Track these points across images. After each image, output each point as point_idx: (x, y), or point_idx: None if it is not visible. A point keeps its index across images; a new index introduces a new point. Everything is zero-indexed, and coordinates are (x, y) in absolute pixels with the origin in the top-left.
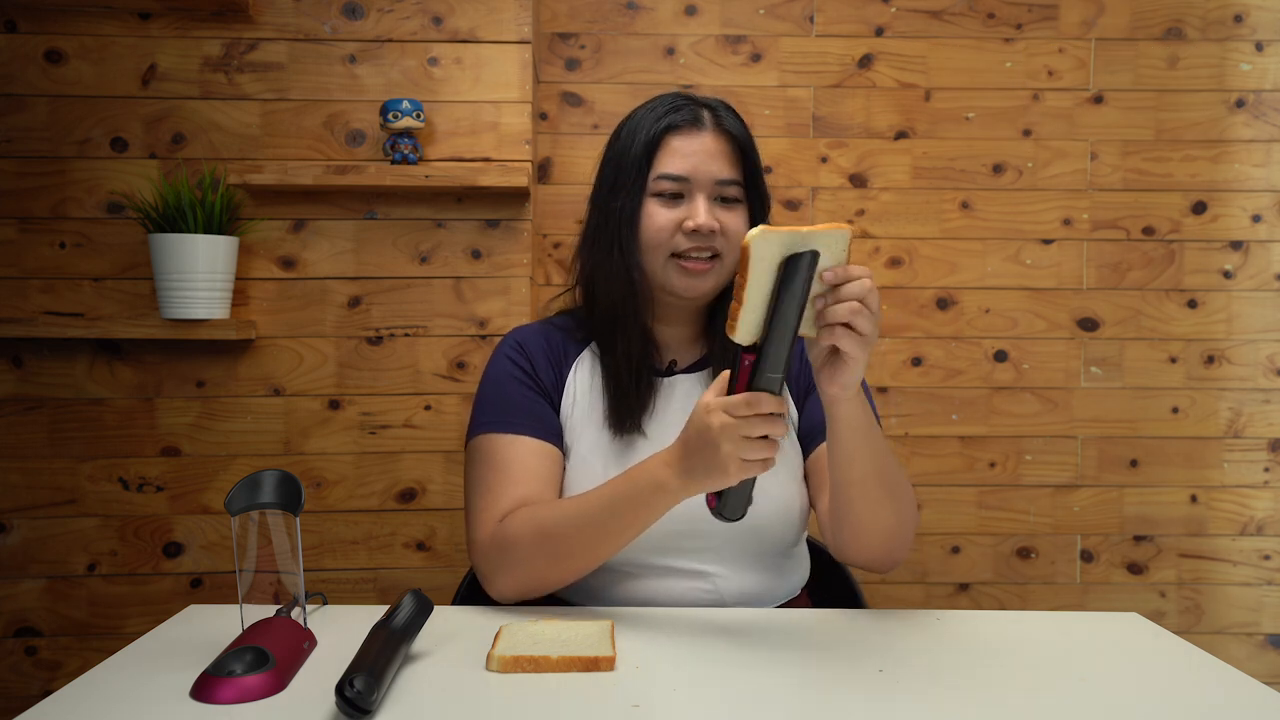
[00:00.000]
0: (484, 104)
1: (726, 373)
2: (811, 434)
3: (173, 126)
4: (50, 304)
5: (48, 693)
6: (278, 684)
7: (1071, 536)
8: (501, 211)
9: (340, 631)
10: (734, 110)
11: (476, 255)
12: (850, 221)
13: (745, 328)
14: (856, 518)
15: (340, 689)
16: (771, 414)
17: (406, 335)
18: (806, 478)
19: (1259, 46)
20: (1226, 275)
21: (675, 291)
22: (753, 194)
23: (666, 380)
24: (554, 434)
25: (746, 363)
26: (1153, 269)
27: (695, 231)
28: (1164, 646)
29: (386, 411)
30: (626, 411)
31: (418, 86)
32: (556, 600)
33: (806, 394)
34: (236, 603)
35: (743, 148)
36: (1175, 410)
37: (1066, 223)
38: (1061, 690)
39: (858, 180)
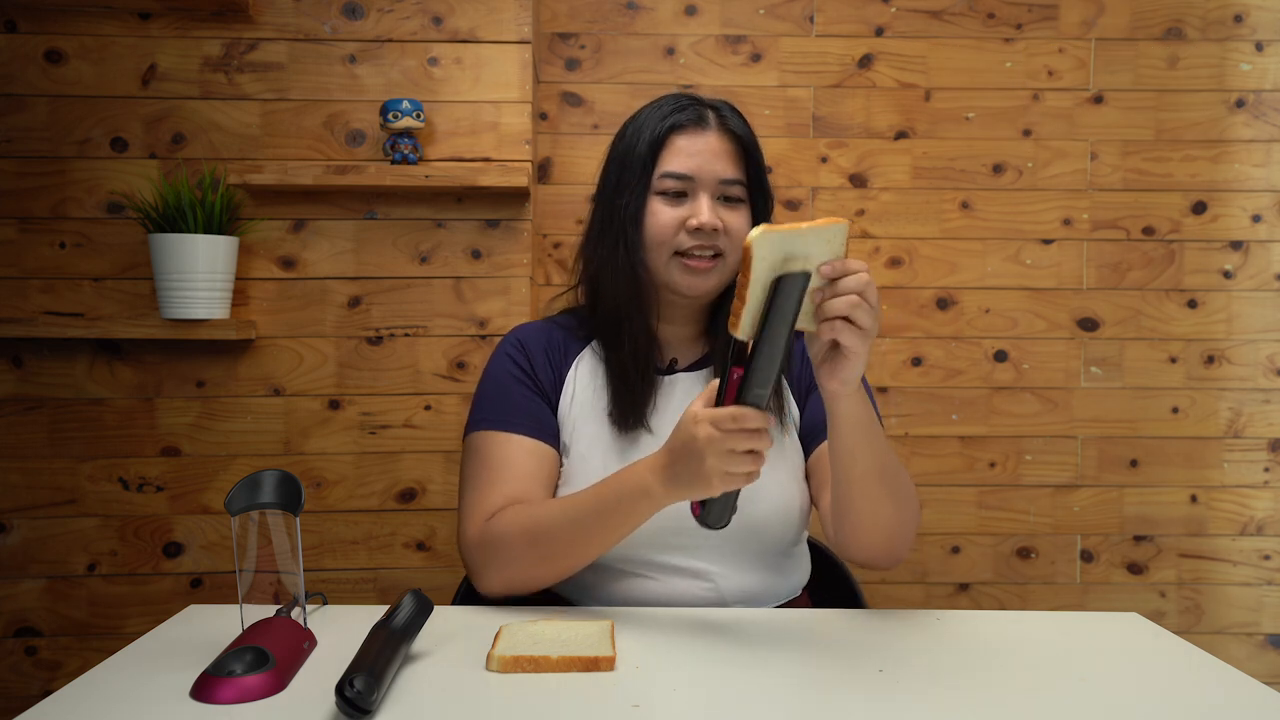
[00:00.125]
0: (484, 104)
1: (715, 382)
2: (813, 432)
3: (173, 126)
4: (50, 304)
5: (48, 693)
6: (278, 684)
7: (1071, 536)
8: (501, 211)
9: (340, 631)
10: (738, 111)
11: (476, 255)
12: (851, 220)
13: (747, 325)
14: (858, 514)
15: (340, 689)
16: (757, 429)
17: (406, 335)
18: (808, 477)
19: (1259, 46)
20: (1226, 275)
21: (678, 289)
22: (756, 194)
23: (667, 378)
24: (550, 434)
25: (735, 376)
26: (1153, 269)
27: (698, 230)
28: (1164, 646)
29: (386, 411)
30: (630, 407)
31: (418, 86)
32: (556, 599)
33: (808, 393)
34: (236, 603)
35: (746, 148)
36: (1175, 410)
37: (1066, 223)
38: (1061, 690)
39: (858, 180)
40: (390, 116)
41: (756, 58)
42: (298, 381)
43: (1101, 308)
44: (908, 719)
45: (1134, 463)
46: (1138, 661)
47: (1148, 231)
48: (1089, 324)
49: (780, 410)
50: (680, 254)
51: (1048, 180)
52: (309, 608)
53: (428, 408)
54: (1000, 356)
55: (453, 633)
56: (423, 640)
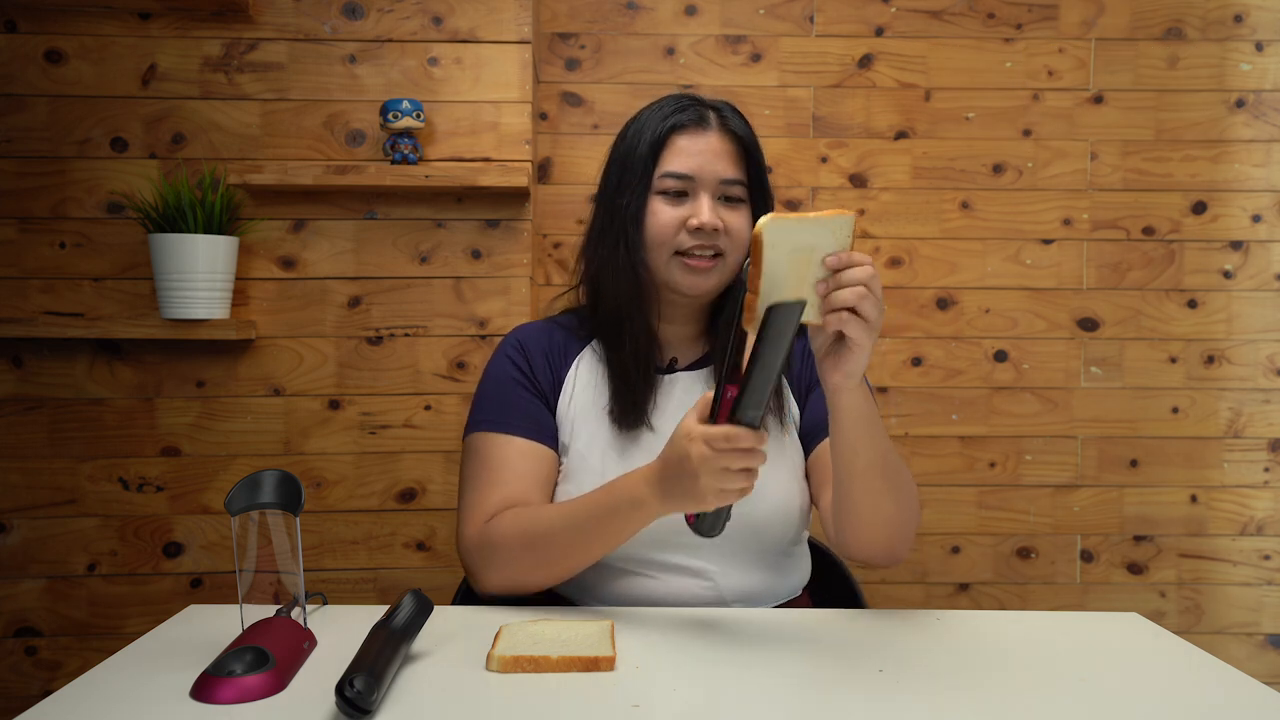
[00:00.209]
0: (484, 104)
1: (709, 394)
2: (814, 431)
3: (173, 126)
4: (50, 304)
5: (48, 693)
6: (278, 684)
7: (1071, 536)
8: (501, 211)
9: (340, 631)
10: (739, 112)
11: (476, 255)
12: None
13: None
14: (859, 509)
15: (340, 689)
16: (750, 449)
17: (406, 335)
18: (808, 476)
19: (1259, 46)
20: (1226, 275)
21: (678, 289)
22: (757, 194)
23: (667, 377)
24: (549, 435)
25: (729, 395)
26: (1153, 269)
27: (699, 230)
28: (1164, 646)
29: (386, 411)
30: (631, 406)
31: (418, 86)
32: (556, 598)
33: (808, 391)
34: (236, 603)
35: (747, 149)
36: (1175, 410)
37: (1066, 223)
38: (1061, 690)
39: (858, 180)
40: (390, 116)
41: (756, 58)
42: (298, 381)
43: (1101, 308)
44: (908, 719)
45: (1134, 463)
46: (1138, 661)
47: (1148, 231)
48: (1089, 324)
49: (780, 409)
50: (681, 253)
51: (1048, 180)
52: (309, 608)
53: (428, 408)
54: (1000, 356)
55: (453, 633)
56: (423, 640)
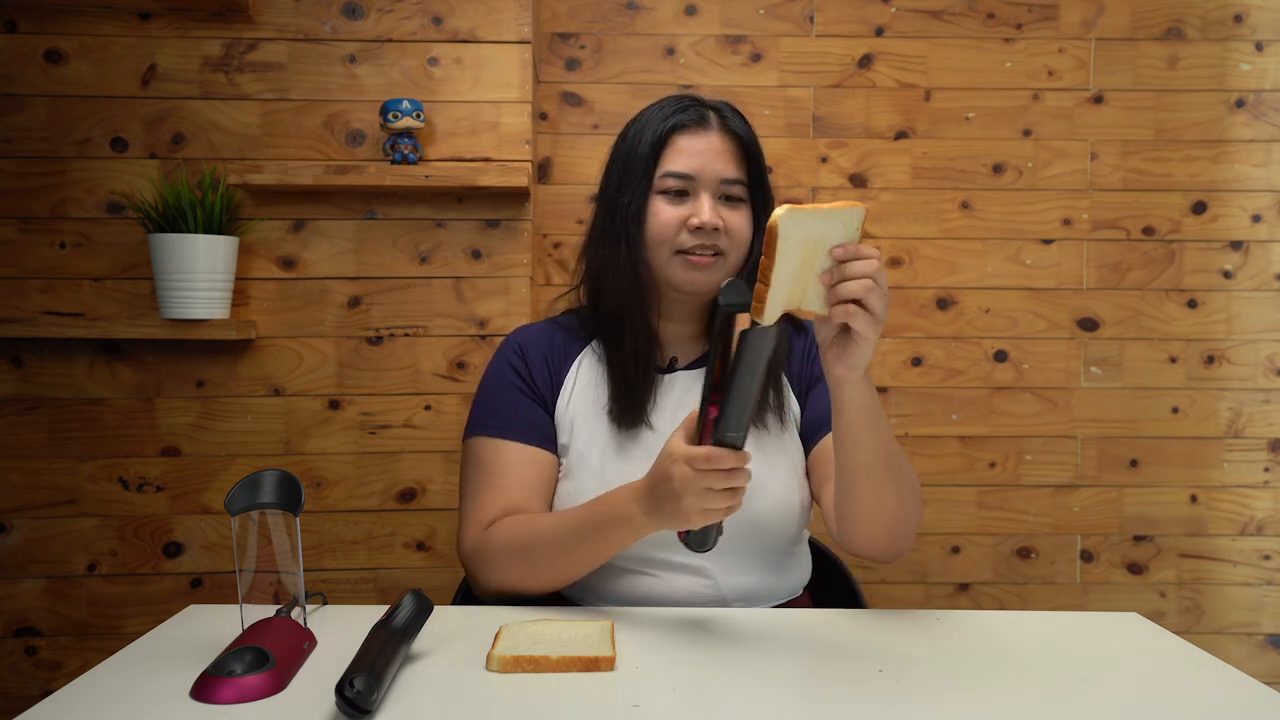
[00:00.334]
0: (484, 104)
1: (695, 412)
2: (814, 428)
3: (173, 126)
4: (50, 304)
5: (48, 693)
6: (278, 684)
7: (1071, 536)
8: (501, 211)
9: (340, 631)
10: (739, 112)
11: (476, 255)
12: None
13: (773, 309)
14: (862, 503)
15: (340, 689)
16: (733, 469)
17: (406, 335)
18: (809, 473)
19: (1259, 46)
20: (1226, 275)
21: (679, 286)
22: (757, 194)
23: (667, 377)
24: (548, 439)
25: (712, 415)
26: (1153, 269)
27: (700, 229)
28: (1164, 646)
29: (386, 411)
30: (630, 405)
31: (418, 86)
32: (557, 599)
33: (809, 388)
34: (236, 603)
35: (748, 148)
36: (1175, 410)
37: (1066, 223)
38: (1061, 690)
39: (858, 180)
40: (390, 116)
41: (756, 58)
42: (298, 381)
43: (1101, 308)
44: (908, 719)
45: (1134, 463)
46: (1138, 661)
47: (1148, 231)
48: (1089, 324)
49: (781, 407)
50: (682, 252)
51: (1048, 180)
52: (309, 608)
53: (428, 408)
54: (1000, 356)
55: (453, 633)
56: (423, 640)
